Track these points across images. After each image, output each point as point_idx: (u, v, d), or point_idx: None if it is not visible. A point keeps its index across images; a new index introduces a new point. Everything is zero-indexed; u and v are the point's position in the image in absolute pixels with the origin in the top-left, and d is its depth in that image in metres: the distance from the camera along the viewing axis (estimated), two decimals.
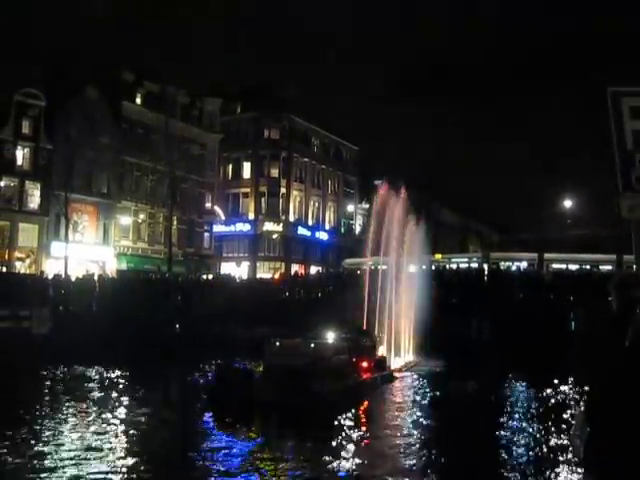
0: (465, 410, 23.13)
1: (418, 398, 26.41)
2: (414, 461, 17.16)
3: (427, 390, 28.41)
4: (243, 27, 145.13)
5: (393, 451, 18.07)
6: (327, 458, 16.69)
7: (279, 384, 22.02)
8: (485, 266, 59.11)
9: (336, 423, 20.41)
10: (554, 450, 17.86)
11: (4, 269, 48.83)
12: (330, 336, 27.84)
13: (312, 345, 25.22)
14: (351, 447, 18.02)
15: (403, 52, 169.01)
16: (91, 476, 14.44)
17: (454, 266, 61.98)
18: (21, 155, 54.53)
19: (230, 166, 78.63)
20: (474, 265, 63.25)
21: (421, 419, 22.14)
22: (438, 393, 27.42)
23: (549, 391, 28.29)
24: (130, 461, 15.73)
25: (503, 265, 59.39)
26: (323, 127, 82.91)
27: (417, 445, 18.61)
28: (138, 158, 61.97)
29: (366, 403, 24.77)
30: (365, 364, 28.17)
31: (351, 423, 21.05)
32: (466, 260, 68.49)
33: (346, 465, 16.44)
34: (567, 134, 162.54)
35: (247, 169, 78.23)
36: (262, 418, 20.67)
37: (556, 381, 29.80)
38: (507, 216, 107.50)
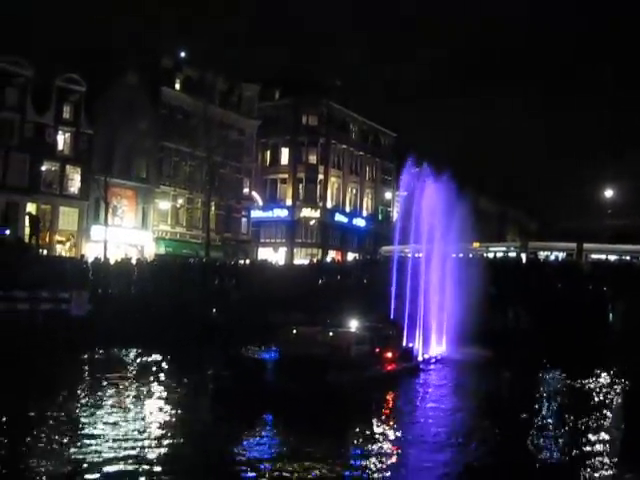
0: (492, 404, 22.71)
1: (444, 392, 25.64)
2: (428, 462, 16.45)
3: (455, 383, 27.91)
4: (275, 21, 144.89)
5: (408, 450, 17.46)
6: (337, 456, 16.27)
7: (293, 375, 20.96)
8: (523, 255, 58.71)
9: (353, 417, 19.87)
10: (591, 444, 17.72)
11: (45, 252, 49.39)
12: (353, 325, 27.02)
13: (330, 334, 24.48)
14: (364, 444, 17.51)
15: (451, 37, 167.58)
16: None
17: (492, 255, 61.59)
18: (62, 140, 55.08)
19: (268, 152, 78.70)
20: (512, 254, 62.86)
21: (442, 414, 21.25)
22: (467, 386, 26.86)
23: (586, 383, 28.07)
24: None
25: (541, 255, 58.91)
26: (361, 114, 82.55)
27: (433, 443, 17.86)
28: (177, 143, 62.28)
29: (388, 396, 23.97)
30: (389, 355, 27.11)
31: (368, 417, 20.30)
32: (504, 249, 68.03)
33: (357, 463, 16.06)
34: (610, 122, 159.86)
35: (285, 155, 78.22)
36: (274, 410, 19.78)
37: (593, 373, 29.54)
38: (547, 204, 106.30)
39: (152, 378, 25.36)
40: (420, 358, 31.30)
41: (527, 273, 44.52)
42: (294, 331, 24.87)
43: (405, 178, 34.87)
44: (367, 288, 37.77)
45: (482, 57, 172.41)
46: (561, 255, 60.29)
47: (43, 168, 53.68)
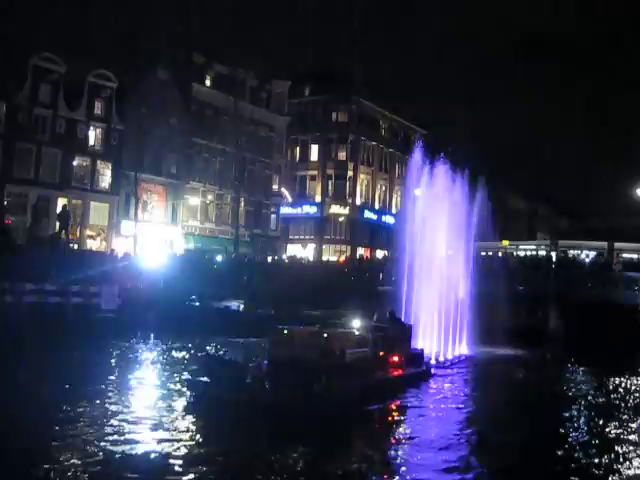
0: (512, 417, 19.99)
1: (452, 403, 22.40)
2: None
3: (470, 391, 25.26)
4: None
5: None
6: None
7: (279, 382, 18.61)
8: (553, 254, 58.28)
9: (342, 433, 17.13)
10: (624, 446, 17.09)
11: (76, 246, 49.84)
12: (355, 324, 24.04)
13: (324, 335, 21.46)
14: (355, 466, 15.02)
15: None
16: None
17: (521, 253, 61.26)
18: (93, 135, 55.58)
19: (298, 148, 78.79)
20: (542, 252, 62.43)
21: (452, 432, 18.11)
22: (483, 395, 24.39)
23: (618, 384, 27.58)
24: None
25: (571, 253, 58.48)
26: (391, 110, 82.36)
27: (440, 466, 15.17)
28: (207, 140, 62.62)
29: (391, 406, 21.18)
30: (396, 359, 24.10)
31: (361, 433, 18.00)
32: (534, 247, 67.58)
33: None
34: None
35: (315, 152, 78.26)
36: (253, 424, 16.78)
37: (624, 374, 29.04)
38: (578, 201, 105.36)
39: (173, 374, 24.13)
40: (441, 359, 29.90)
41: (557, 272, 44.24)
42: (285, 332, 22.07)
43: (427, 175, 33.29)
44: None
45: (519, 57, 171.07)
46: (592, 254, 59.85)
47: (74, 163, 54.25)
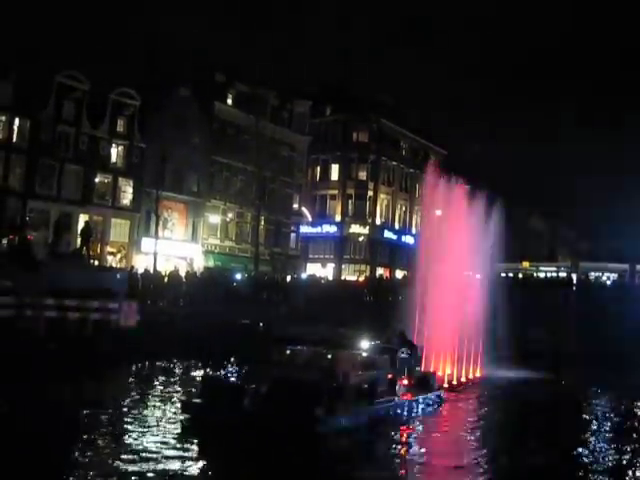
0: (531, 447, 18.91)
1: (467, 430, 21.27)
2: None
3: (483, 417, 23.89)
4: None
5: None
6: None
7: (277, 406, 17.44)
8: (574, 276, 58.01)
9: (345, 466, 16.13)
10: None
11: (97, 262, 50.00)
12: (364, 345, 22.78)
13: (329, 356, 20.29)
14: None
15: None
16: None
17: (542, 275, 61.04)
18: (115, 153, 55.93)
19: (318, 168, 78.92)
20: (562, 274, 62.16)
21: (463, 463, 17.13)
22: (498, 423, 23.12)
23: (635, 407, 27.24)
24: None
25: (592, 275, 58.21)
26: (412, 130, 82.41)
27: None
28: (228, 158, 62.82)
29: (399, 433, 20.10)
30: (405, 382, 23.20)
31: (364, 462, 16.76)
32: (554, 269, 67.51)
33: None
34: None
35: (335, 171, 78.36)
36: (248, 451, 15.93)
37: None
38: (600, 222, 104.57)
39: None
40: (454, 382, 29.00)
41: (577, 294, 43.94)
42: (287, 351, 20.99)
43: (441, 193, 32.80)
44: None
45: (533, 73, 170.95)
46: (613, 276, 59.51)
47: (96, 180, 54.62)
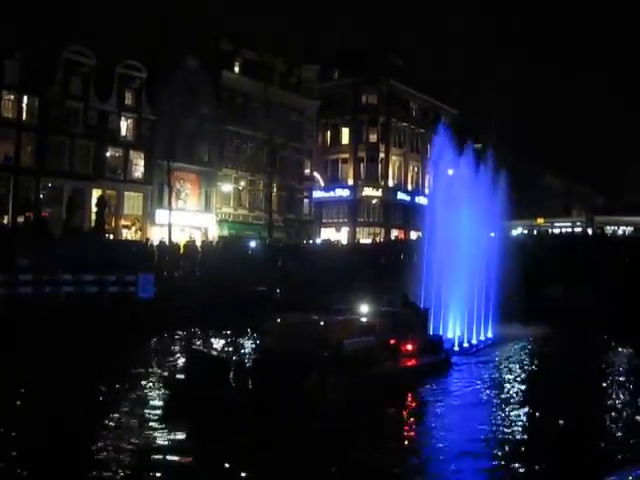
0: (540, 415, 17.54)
1: (477, 397, 19.96)
2: None
3: (495, 382, 22.36)
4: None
5: None
6: None
7: (261, 379, 16.45)
8: (589, 230, 57.80)
9: (337, 439, 14.81)
10: None
11: (111, 236, 50.35)
12: (363, 310, 21.96)
13: (322, 323, 19.26)
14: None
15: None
16: None
17: (557, 230, 60.82)
18: (125, 126, 56.01)
19: (328, 132, 78.67)
20: (578, 229, 61.93)
21: (473, 436, 15.54)
22: (510, 385, 21.90)
23: None
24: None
25: (608, 230, 57.96)
26: (422, 91, 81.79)
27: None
28: (238, 126, 62.70)
29: (400, 402, 18.70)
30: (409, 347, 21.80)
31: (359, 439, 15.28)
32: (569, 224, 67.21)
33: None
34: None
35: (345, 135, 78.10)
36: (233, 429, 14.79)
37: None
38: (614, 177, 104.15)
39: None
40: (465, 345, 27.94)
41: (593, 249, 43.73)
42: (278, 320, 19.94)
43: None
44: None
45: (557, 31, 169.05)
46: (628, 230, 59.25)
47: (107, 154, 54.75)
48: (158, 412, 16.98)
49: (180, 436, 15.14)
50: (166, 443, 14.65)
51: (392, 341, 21.00)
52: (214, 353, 19.97)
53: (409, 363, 21.45)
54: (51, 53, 49.49)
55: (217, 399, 15.87)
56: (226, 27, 63.41)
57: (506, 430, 16.21)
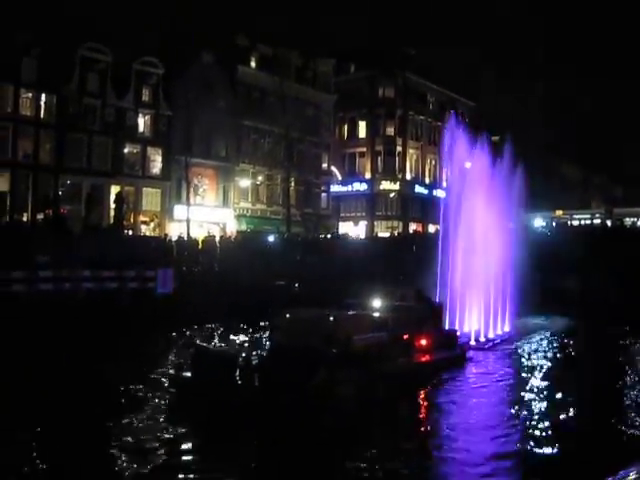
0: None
1: (494, 394, 19.43)
2: None
3: (512, 378, 21.78)
4: None
5: None
6: None
7: (268, 377, 16.01)
8: (608, 222, 57.47)
9: (345, 438, 14.41)
10: None
11: (130, 232, 50.53)
12: (376, 304, 21.63)
13: (331, 319, 18.72)
14: None
15: None
16: None
17: (576, 222, 60.54)
18: (142, 122, 56.15)
19: (345, 126, 78.59)
20: (597, 221, 61.61)
21: (488, 436, 15.04)
22: (527, 381, 20.97)
23: None
24: None
25: (627, 221, 57.61)
26: (438, 84, 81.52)
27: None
28: (255, 121, 62.71)
29: (413, 400, 18.28)
30: (423, 342, 21.28)
31: (365, 440, 14.67)
32: (588, 216, 66.85)
33: None
34: None
35: (362, 128, 77.98)
36: (238, 428, 14.61)
37: None
38: (634, 168, 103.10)
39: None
40: (482, 339, 27.46)
41: (612, 241, 43.37)
42: (287, 316, 19.47)
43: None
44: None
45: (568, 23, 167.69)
46: None
47: (125, 151, 54.91)
48: (163, 411, 16.92)
49: (184, 434, 15.03)
50: (168, 441, 14.52)
51: (405, 336, 20.54)
52: (220, 349, 19.50)
53: (423, 359, 20.99)
54: (68, 50, 49.61)
55: (222, 397, 15.63)
56: (242, 22, 63.31)
57: (525, 430, 15.54)
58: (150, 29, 55.72)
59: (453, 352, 22.99)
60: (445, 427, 16.08)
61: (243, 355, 17.67)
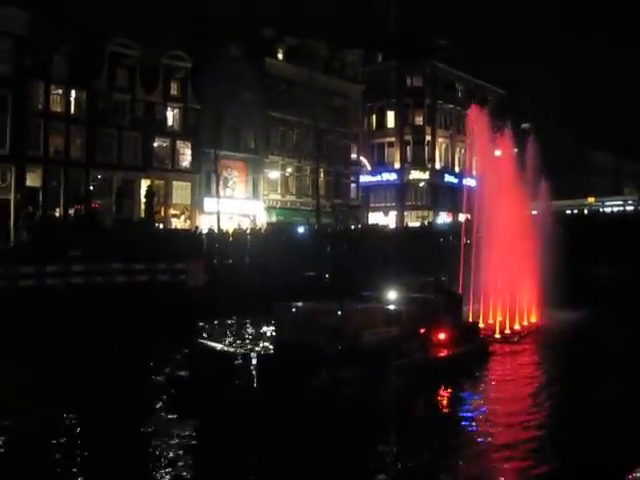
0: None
1: (516, 393, 17.94)
2: None
3: (537, 374, 20.35)
4: None
5: None
6: None
7: (267, 377, 15.00)
8: None
9: (344, 444, 13.18)
10: None
11: (161, 226, 50.89)
12: (391, 296, 20.19)
13: (338, 313, 17.07)
14: None
15: None
16: None
17: (608, 210, 59.91)
18: (171, 116, 56.46)
19: (374, 116, 78.41)
20: (629, 208, 60.95)
21: (512, 440, 13.61)
22: (555, 378, 19.59)
23: None
24: None
25: None
26: (467, 72, 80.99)
27: None
28: (283, 113, 62.74)
29: (428, 400, 17.07)
30: (441, 336, 19.94)
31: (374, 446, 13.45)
32: (621, 203, 66.10)
33: None
34: None
35: (391, 118, 77.74)
36: (234, 432, 13.78)
37: None
38: None
39: None
40: (507, 331, 26.08)
41: None
42: (293, 310, 17.92)
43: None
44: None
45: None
46: None
47: (155, 145, 55.24)
48: (158, 410, 16.32)
49: (174, 435, 14.30)
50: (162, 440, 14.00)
51: (422, 330, 19.21)
52: (220, 346, 17.53)
53: (441, 354, 19.59)
54: (96, 46, 50.01)
55: (218, 398, 14.94)
56: (268, 14, 63.36)
57: (549, 432, 14.41)
58: (177, 23, 55.91)
59: (474, 346, 21.64)
60: (461, 428, 14.97)
61: (242, 352, 16.40)
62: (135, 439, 14.22)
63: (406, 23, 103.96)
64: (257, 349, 16.92)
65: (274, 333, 18.23)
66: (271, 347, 17.07)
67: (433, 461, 12.77)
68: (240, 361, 15.90)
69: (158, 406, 16.47)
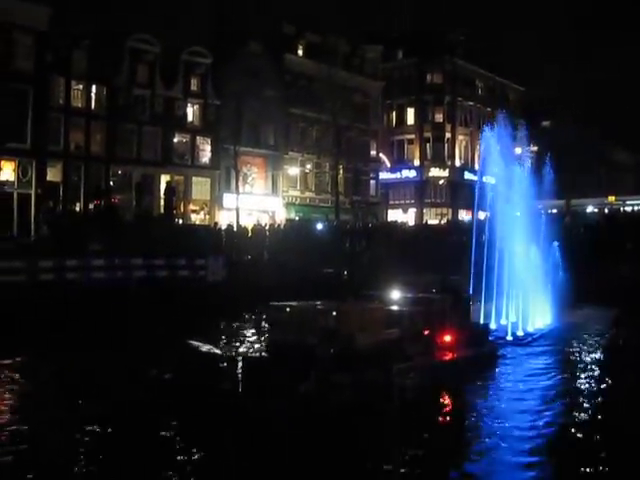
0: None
1: (527, 401, 16.52)
2: None
3: (551, 379, 18.92)
4: None
5: None
6: None
7: (253, 382, 14.45)
8: None
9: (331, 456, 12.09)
10: None
11: (181, 221, 50.97)
12: (394, 296, 19.37)
13: (334, 314, 16.15)
14: None
15: None
16: None
17: (629, 208, 59.46)
18: (191, 112, 56.46)
19: (394, 113, 78.36)
20: None
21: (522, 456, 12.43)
22: (571, 385, 18.34)
23: None
24: None
25: None
26: (487, 69, 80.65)
27: None
28: (303, 109, 62.65)
29: (435, 403, 15.98)
30: (447, 338, 18.87)
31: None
32: None
33: None
34: None
35: (411, 115, 77.64)
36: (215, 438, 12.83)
37: None
38: None
39: None
40: (520, 333, 24.88)
41: None
42: (287, 309, 17.07)
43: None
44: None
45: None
46: None
47: (174, 140, 55.26)
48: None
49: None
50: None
51: (426, 332, 18.23)
52: (207, 349, 17.14)
53: (446, 357, 18.53)
54: (117, 42, 50.08)
55: (204, 401, 14.30)
56: (288, 10, 63.29)
57: (562, 444, 13.25)
58: (197, 19, 55.99)
59: (483, 349, 20.59)
60: (464, 440, 13.77)
61: (228, 355, 15.84)
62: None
63: (422, 21, 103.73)
64: (245, 351, 16.34)
65: (267, 334, 17.40)
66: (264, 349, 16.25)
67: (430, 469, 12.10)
68: (226, 363, 15.46)
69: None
